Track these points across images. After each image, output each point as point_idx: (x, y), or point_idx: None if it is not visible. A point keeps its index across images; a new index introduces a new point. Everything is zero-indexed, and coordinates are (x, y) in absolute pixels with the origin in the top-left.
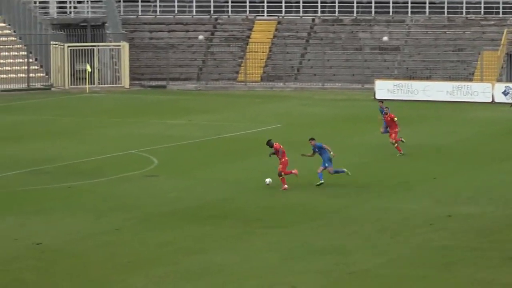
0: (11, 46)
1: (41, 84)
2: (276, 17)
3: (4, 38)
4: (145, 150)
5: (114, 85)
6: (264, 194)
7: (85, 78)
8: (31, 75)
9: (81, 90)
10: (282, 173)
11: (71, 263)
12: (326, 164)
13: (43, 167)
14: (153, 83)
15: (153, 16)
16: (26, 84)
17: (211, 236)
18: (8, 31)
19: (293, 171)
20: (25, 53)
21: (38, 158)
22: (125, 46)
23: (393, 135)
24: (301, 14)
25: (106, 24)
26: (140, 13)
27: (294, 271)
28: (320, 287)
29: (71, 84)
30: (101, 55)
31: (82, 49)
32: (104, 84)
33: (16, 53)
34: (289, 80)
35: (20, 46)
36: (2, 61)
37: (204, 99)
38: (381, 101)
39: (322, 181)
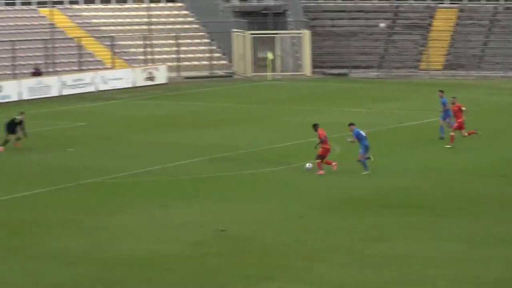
0: (194, 33)
1: (223, 71)
2: (458, 5)
3: (187, 26)
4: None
5: (296, 73)
6: (446, 183)
7: (267, 66)
8: (213, 62)
9: (263, 77)
10: (322, 157)
11: (254, 250)
12: (361, 150)
13: (225, 155)
14: (335, 71)
15: (334, 4)
16: (208, 72)
17: (392, 224)
18: (191, 19)
19: (333, 164)
20: (208, 40)
21: (220, 145)
22: (306, 34)
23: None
24: (483, 1)
25: (288, 12)
26: (321, 1)
27: (477, 261)
28: (504, 280)
29: (252, 72)
30: (283, 43)
31: (263, 37)
32: (286, 71)
33: (199, 41)
34: (471, 69)
35: (203, 33)
36: (185, 48)
37: (385, 87)
38: (441, 91)
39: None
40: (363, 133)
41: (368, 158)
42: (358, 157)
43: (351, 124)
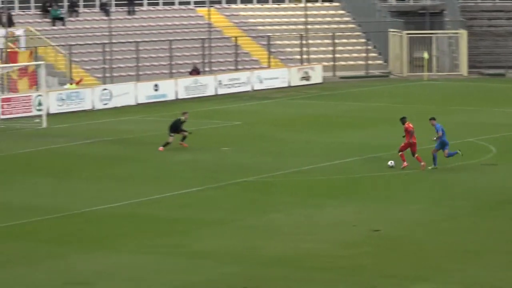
0: (350, 33)
1: (379, 71)
2: None
3: (343, 26)
4: (483, 138)
5: (452, 73)
6: None
7: (423, 66)
8: (369, 62)
9: (419, 77)
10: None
11: (408, 250)
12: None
13: (380, 154)
14: (492, 71)
15: (492, 4)
16: (364, 71)
17: None
18: (347, 19)
19: (421, 163)
20: (364, 40)
21: (374, 145)
22: (463, 34)
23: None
24: None
25: (445, 12)
26: (479, 0)
27: None
28: None
29: (408, 72)
30: (439, 43)
31: (420, 37)
32: (442, 71)
33: (355, 41)
34: None
35: (359, 33)
36: (341, 48)
37: None
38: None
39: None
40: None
41: (456, 152)
42: (444, 153)
43: (432, 119)
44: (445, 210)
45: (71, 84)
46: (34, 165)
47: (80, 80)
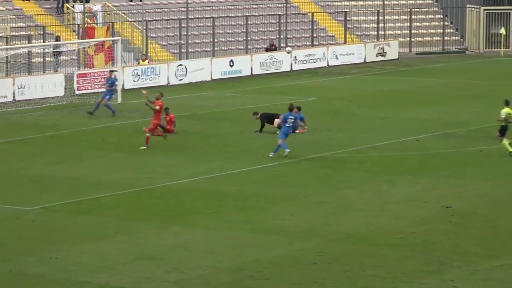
0: (427, 9)
1: (456, 47)
2: None
3: (421, 1)
4: None
5: None
6: None
7: (500, 42)
8: (446, 38)
9: (496, 53)
10: None
11: (479, 227)
12: None
13: (455, 131)
14: None
15: None
16: (441, 47)
17: None
18: None
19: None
20: (441, 16)
21: (450, 121)
22: None
23: None
24: None
25: None
26: None
27: None
28: None
29: (485, 48)
30: None
31: (498, 12)
32: None
33: (432, 16)
34: None
35: (436, 9)
36: (418, 24)
37: None
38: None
39: None
40: None
41: None
42: None
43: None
44: None
45: (143, 60)
46: (108, 140)
47: (145, 59)
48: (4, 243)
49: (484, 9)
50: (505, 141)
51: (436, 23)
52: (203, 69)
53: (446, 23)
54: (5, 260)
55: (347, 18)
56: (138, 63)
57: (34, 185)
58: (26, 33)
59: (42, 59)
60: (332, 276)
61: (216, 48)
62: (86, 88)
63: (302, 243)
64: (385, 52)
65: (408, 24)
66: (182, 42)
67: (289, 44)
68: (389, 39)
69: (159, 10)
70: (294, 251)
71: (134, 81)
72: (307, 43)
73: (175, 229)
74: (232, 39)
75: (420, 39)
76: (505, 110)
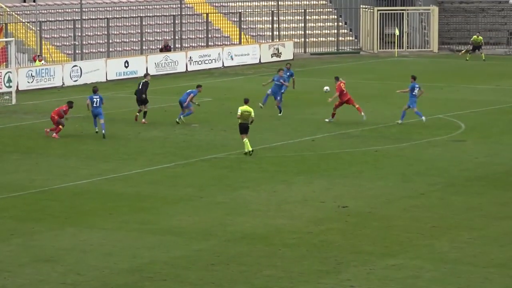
0: (321, 10)
1: (350, 48)
2: None
3: (315, 2)
4: (452, 115)
5: (423, 49)
6: None
7: (394, 42)
8: (340, 38)
9: (390, 54)
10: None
11: (375, 226)
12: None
13: (349, 131)
14: (462, 47)
15: None
16: (335, 48)
17: None
18: None
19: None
20: (335, 17)
21: (345, 122)
22: (434, 10)
23: None
24: None
25: None
26: None
27: None
28: None
29: (379, 48)
30: (410, 19)
31: (391, 13)
32: (413, 48)
33: (326, 17)
34: None
35: (330, 10)
36: (312, 24)
37: None
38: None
39: None
40: None
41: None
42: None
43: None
44: (413, 186)
45: (34, 60)
46: (1, 141)
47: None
48: None
49: (378, 10)
50: (246, 140)
51: (331, 24)
52: (98, 70)
53: (340, 24)
54: None
55: (242, 19)
56: (35, 60)
57: None
58: None
59: None
60: (229, 277)
61: (111, 49)
62: None
63: (199, 244)
64: (280, 53)
65: (303, 24)
66: (77, 43)
67: (184, 45)
68: (284, 39)
69: (53, 11)
70: (191, 251)
71: (28, 82)
72: (202, 44)
73: (71, 230)
74: (127, 40)
75: (314, 39)
76: None
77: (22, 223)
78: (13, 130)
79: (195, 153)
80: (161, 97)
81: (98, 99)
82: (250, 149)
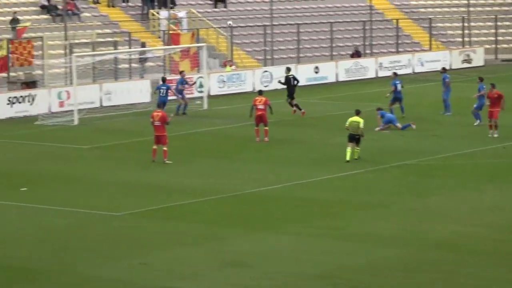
0: None
1: None
2: None
3: (506, 8)
4: None
5: None
6: None
7: None
8: None
9: None
10: None
11: None
12: None
13: None
14: None
15: None
16: None
17: None
18: (510, 1)
19: None
20: None
21: None
22: None
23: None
24: None
25: None
26: None
27: None
28: None
29: None
30: None
31: None
32: None
33: None
34: None
35: None
36: (503, 30)
37: None
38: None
39: None
40: None
41: None
42: None
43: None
44: None
45: (224, 65)
46: (194, 146)
47: (232, 65)
48: (94, 249)
49: None
50: (349, 149)
51: None
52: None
53: None
54: (95, 266)
55: (432, 25)
56: (225, 65)
57: (120, 190)
58: (112, 40)
59: (128, 65)
60: (423, 284)
61: (301, 55)
62: (172, 94)
63: (387, 250)
64: (471, 59)
65: (494, 30)
66: (267, 48)
67: (374, 51)
68: (475, 45)
69: (243, 16)
70: (379, 258)
71: (219, 87)
72: (392, 50)
73: (261, 235)
74: (317, 46)
75: (506, 46)
76: None
77: (214, 227)
78: (204, 135)
79: (386, 159)
80: (352, 103)
81: (165, 89)
82: (348, 158)
